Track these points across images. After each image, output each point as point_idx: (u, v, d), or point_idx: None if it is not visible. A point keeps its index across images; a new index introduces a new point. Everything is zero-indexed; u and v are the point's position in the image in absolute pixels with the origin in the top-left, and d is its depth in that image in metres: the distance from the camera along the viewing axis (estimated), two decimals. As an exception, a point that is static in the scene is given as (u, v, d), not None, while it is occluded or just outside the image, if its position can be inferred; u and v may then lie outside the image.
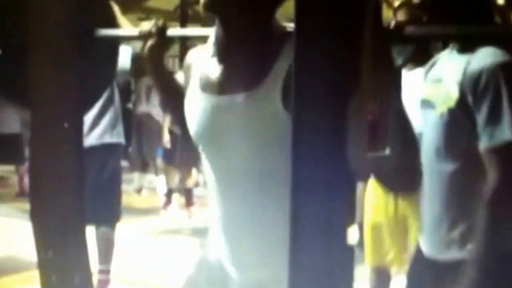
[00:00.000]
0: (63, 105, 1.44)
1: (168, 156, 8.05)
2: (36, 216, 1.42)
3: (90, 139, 4.35)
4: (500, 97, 2.01)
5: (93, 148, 4.35)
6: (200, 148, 1.90)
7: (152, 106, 8.70)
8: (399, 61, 1.26)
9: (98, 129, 4.42)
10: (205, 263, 2.02)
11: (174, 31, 2.04)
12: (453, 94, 2.07)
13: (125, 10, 4.48)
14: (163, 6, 13.03)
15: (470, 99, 2.04)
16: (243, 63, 1.78)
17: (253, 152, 1.77)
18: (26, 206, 1.58)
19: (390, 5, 4.70)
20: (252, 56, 1.77)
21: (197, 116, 1.85)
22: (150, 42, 2.00)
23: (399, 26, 1.45)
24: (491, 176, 2.03)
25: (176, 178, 8.20)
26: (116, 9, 4.31)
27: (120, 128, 4.59)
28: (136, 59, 4.76)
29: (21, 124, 8.07)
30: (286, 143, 1.62)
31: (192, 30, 2.17)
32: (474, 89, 2.03)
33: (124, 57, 4.29)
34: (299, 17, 1.06)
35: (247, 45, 1.78)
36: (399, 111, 1.34)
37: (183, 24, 11.41)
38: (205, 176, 1.94)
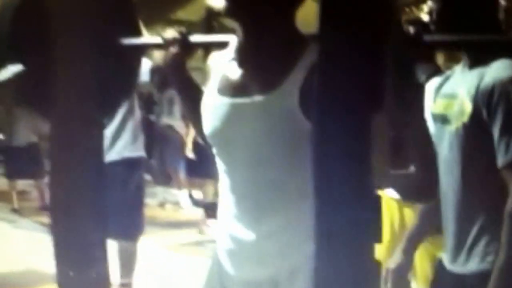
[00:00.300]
0: (84, 117, 1.42)
1: (192, 169, 8.04)
2: (56, 232, 1.40)
3: (112, 154, 4.34)
4: None
5: (114, 163, 4.34)
6: (214, 150, 1.90)
7: (174, 119, 8.71)
8: (422, 78, 1.23)
9: (119, 143, 4.41)
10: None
11: (197, 38, 2.03)
12: (467, 109, 2.06)
13: (150, 22, 4.49)
14: (188, 17, 13.09)
15: (484, 113, 2.03)
16: (261, 66, 1.78)
17: (269, 154, 1.77)
18: (47, 219, 1.58)
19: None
20: (271, 59, 1.77)
21: (212, 118, 1.85)
22: (173, 50, 2.00)
23: (418, 33, 1.43)
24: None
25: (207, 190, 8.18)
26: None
27: (141, 141, 4.57)
28: (158, 71, 4.77)
29: (37, 136, 8.10)
30: (301, 146, 1.66)
31: (215, 37, 2.15)
32: (488, 103, 2.02)
33: (144, 70, 4.29)
34: (323, 32, 1.04)
35: (266, 48, 1.79)
36: (422, 128, 1.32)
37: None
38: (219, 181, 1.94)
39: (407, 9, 4.36)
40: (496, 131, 2.02)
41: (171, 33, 2.02)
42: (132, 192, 4.49)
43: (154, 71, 4.50)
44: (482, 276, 2.09)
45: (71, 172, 1.40)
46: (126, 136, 4.43)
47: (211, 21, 9.93)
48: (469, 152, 2.08)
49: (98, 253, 1.36)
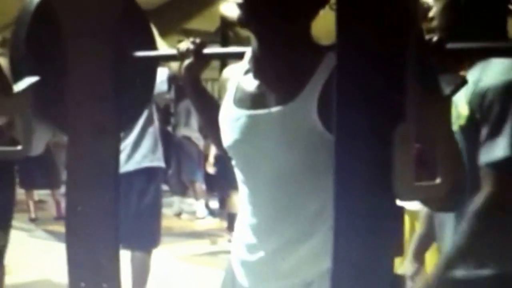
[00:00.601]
0: (100, 128, 1.41)
1: (211, 180, 8.05)
2: (69, 242, 1.40)
3: (131, 164, 4.37)
4: (504, 114, 2.04)
5: (134, 173, 4.36)
6: (233, 162, 1.89)
7: (191, 130, 8.74)
8: (447, 90, 1.21)
9: (138, 153, 4.43)
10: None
11: (212, 49, 2.02)
12: (464, 112, 2.09)
13: (165, 32, 4.50)
14: (203, 27, 13.13)
15: (478, 116, 2.08)
16: (278, 77, 1.76)
17: (288, 166, 1.75)
18: (63, 229, 1.58)
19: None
20: (288, 70, 1.75)
21: (230, 131, 1.84)
22: (187, 61, 1.99)
23: (441, 40, 1.41)
24: (482, 191, 2.07)
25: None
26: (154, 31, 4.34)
27: (160, 152, 4.59)
28: (175, 81, 4.78)
29: (53, 146, 8.13)
30: (321, 156, 1.65)
31: (230, 49, 2.15)
32: (481, 107, 2.07)
33: (161, 79, 4.30)
34: (341, 42, 1.02)
35: (282, 59, 1.76)
36: (450, 139, 1.31)
37: (223, 46, 11.50)
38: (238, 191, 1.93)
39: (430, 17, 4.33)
40: (484, 133, 2.06)
41: (185, 44, 2.02)
42: (149, 203, 4.50)
43: (172, 80, 4.50)
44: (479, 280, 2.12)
45: (86, 183, 1.40)
46: (145, 146, 4.45)
47: (226, 31, 9.96)
48: (467, 154, 2.07)
49: (111, 265, 1.35)
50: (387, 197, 1.04)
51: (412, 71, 1.03)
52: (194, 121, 8.59)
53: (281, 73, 1.76)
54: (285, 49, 1.76)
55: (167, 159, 4.93)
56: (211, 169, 7.89)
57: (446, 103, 1.23)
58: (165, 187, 8.16)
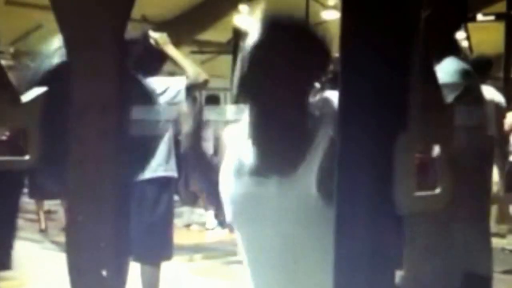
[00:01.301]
0: (102, 136, 1.42)
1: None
2: (71, 254, 1.40)
3: (146, 172, 4.36)
4: None
5: (148, 181, 4.36)
6: (235, 228, 1.91)
7: (203, 140, 8.74)
8: (450, 98, 1.22)
9: (154, 162, 4.43)
10: None
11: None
12: None
13: (177, 43, 4.52)
14: (215, 38, 13.18)
15: None
16: (277, 148, 1.78)
17: (287, 234, 1.77)
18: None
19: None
20: (287, 140, 1.77)
21: (232, 201, 1.86)
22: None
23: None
24: None
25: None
26: (167, 40, 4.36)
27: (173, 161, 4.59)
28: (193, 91, 4.81)
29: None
30: (319, 225, 1.65)
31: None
32: None
33: (179, 89, 4.32)
34: (344, 52, 1.03)
35: (281, 129, 1.77)
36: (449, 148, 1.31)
37: (235, 56, 11.49)
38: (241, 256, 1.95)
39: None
40: None
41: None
42: (162, 212, 4.49)
43: (189, 90, 4.50)
44: None
45: (88, 192, 1.40)
46: (160, 154, 4.45)
47: (238, 41, 9.99)
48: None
49: (114, 276, 1.35)
50: (388, 207, 1.04)
51: (414, 81, 1.03)
52: (206, 132, 8.59)
53: (279, 144, 1.78)
54: (284, 119, 1.76)
55: (178, 169, 4.94)
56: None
57: (449, 112, 1.23)
58: (175, 197, 8.16)
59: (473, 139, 2.18)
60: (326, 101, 1.74)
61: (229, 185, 1.86)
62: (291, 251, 1.78)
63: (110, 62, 1.45)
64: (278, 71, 1.72)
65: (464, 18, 2.42)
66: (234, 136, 1.91)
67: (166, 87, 4.29)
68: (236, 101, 1.80)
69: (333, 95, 1.71)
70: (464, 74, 2.22)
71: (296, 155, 1.73)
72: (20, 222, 8.79)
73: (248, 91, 1.75)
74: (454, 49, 2.37)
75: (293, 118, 1.76)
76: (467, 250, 2.26)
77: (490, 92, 3.40)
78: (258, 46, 1.72)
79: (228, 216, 1.88)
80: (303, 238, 1.76)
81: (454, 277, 2.22)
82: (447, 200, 1.21)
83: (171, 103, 4.41)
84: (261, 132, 1.79)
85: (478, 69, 2.40)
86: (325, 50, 1.74)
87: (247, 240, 1.88)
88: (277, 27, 1.76)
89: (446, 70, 2.18)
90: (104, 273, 1.29)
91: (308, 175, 1.71)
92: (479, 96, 2.44)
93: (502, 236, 8.43)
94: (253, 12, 1.73)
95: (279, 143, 1.77)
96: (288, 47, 1.72)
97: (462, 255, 2.25)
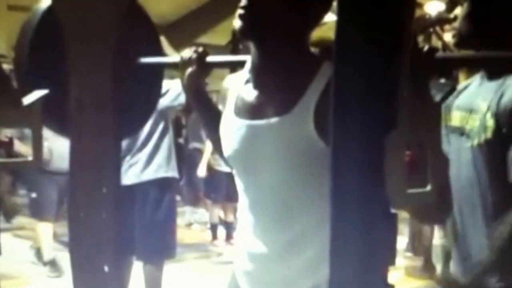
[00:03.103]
0: (101, 134, 1.44)
1: (209, 191, 8.08)
2: (73, 254, 1.42)
3: (146, 175, 4.39)
4: None
5: (148, 183, 4.38)
6: (233, 171, 1.93)
7: (201, 142, 8.75)
8: (438, 97, 1.24)
9: (154, 164, 4.44)
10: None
11: (214, 58, 2.06)
12: (490, 124, 2.07)
13: (176, 46, 4.53)
14: (214, 41, 13.14)
15: (505, 131, 2.04)
16: (276, 87, 1.81)
17: (286, 174, 1.79)
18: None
19: (440, 37, 4.67)
20: (285, 80, 1.80)
21: (230, 140, 1.88)
22: (190, 69, 2.04)
23: (432, 50, 1.44)
24: None
25: (219, 212, 8.22)
26: (163, 40, 4.37)
27: (174, 162, 4.60)
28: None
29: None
30: (317, 165, 1.69)
31: (232, 57, 2.18)
32: (508, 119, 2.03)
33: (179, 91, 4.33)
34: (338, 52, 1.05)
35: (280, 70, 1.81)
36: (438, 146, 1.33)
37: (234, 59, 11.47)
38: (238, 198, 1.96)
39: (430, 30, 4.37)
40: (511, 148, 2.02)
41: (188, 53, 2.07)
42: (164, 214, 4.49)
43: None
44: None
45: (88, 189, 1.42)
46: (160, 157, 4.47)
47: (237, 44, 9.99)
48: (490, 168, 2.08)
49: (114, 272, 1.37)
50: (381, 204, 1.05)
51: (404, 79, 1.05)
52: (203, 133, 8.62)
53: (278, 84, 1.80)
54: (283, 60, 1.80)
55: (179, 170, 4.95)
56: (202, 173, 7.93)
57: (436, 110, 1.25)
58: (177, 197, 8.16)
59: None
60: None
61: (229, 123, 1.89)
62: (286, 191, 1.80)
63: (109, 61, 1.47)
64: (277, 13, 1.75)
65: None
66: (235, 82, 1.95)
67: (166, 90, 4.31)
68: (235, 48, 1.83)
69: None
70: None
71: (294, 94, 1.75)
72: (22, 221, 8.85)
73: (248, 33, 1.78)
74: None
75: (291, 58, 1.80)
76: None
77: None
78: None
79: (225, 151, 1.91)
80: (298, 177, 1.78)
81: None
82: (435, 196, 1.22)
83: (171, 106, 4.43)
84: (261, 73, 1.83)
85: None
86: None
87: (243, 179, 1.90)
88: None
89: None
90: (106, 269, 1.31)
91: (306, 112, 1.72)
92: None
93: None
94: None
95: (277, 83, 1.80)
96: None
97: None
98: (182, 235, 8.17)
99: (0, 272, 6.03)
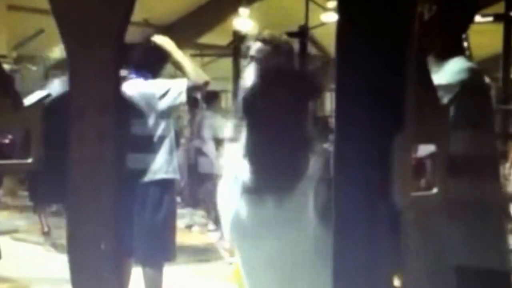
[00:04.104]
0: (102, 137, 1.43)
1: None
2: (71, 256, 1.41)
3: (148, 175, 4.37)
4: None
5: (149, 184, 4.37)
6: (233, 243, 2.00)
7: (203, 142, 8.74)
8: (445, 99, 1.23)
9: (155, 164, 4.42)
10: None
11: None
12: None
13: (180, 46, 4.53)
14: (216, 41, 13.18)
15: None
16: (275, 167, 1.82)
17: (284, 251, 1.81)
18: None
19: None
20: (285, 160, 1.81)
21: (230, 219, 1.90)
22: None
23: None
24: None
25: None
26: (172, 43, 4.38)
27: (175, 163, 4.58)
28: (194, 92, 4.80)
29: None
30: (316, 243, 1.70)
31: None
32: None
33: (181, 90, 4.32)
34: (340, 54, 1.04)
35: (279, 150, 1.81)
36: (446, 149, 1.32)
37: (235, 59, 11.52)
38: None
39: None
40: None
41: None
42: (164, 214, 4.47)
43: (191, 91, 4.50)
44: None
45: (88, 192, 1.41)
46: (161, 157, 4.45)
47: (238, 45, 10.01)
48: None
49: (114, 277, 1.36)
50: (386, 206, 1.04)
51: (410, 82, 1.04)
52: (206, 133, 8.60)
53: (278, 164, 1.81)
54: (283, 143, 1.80)
55: (180, 171, 4.93)
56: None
57: (443, 113, 1.24)
58: (177, 199, 8.16)
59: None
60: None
61: (227, 203, 1.90)
62: (288, 268, 1.82)
63: (110, 64, 1.46)
64: (278, 99, 1.78)
65: (473, 17, 2.44)
66: (232, 155, 1.94)
67: (167, 89, 4.30)
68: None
69: None
70: (471, 72, 2.23)
71: (294, 174, 1.78)
72: (22, 223, 8.86)
73: (249, 114, 1.80)
74: (461, 49, 2.40)
75: (291, 140, 1.80)
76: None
77: None
78: (260, 75, 1.80)
79: (226, 232, 1.93)
80: (300, 255, 1.79)
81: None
82: (444, 199, 1.21)
83: (172, 105, 4.41)
84: (260, 153, 1.83)
85: None
86: (318, 82, 1.83)
87: (244, 256, 1.92)
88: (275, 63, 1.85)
89: (454, 69, 2.21)
90: (105, 274, 1.30)
91: (305, 195, 1.75)
92: (484, 94, 2.44)
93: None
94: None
95: (277, 163, 1.81)
96: (287, 79, 1.82)
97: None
98: (182, 237, 8.17)
99: (-1, 276, 6.03)
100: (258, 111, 1.79)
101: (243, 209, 1.84)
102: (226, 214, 1.90)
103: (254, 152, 1.82)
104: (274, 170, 1.80)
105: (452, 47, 2.34)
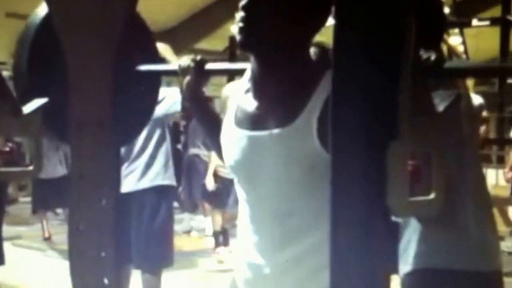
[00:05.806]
0: (101, 141, 1.44)
1: (209, 198, 8.08)
2: (72, 262, 1.42)
3: (143, 182, 4.38)
4: None
5: (146, 191, 4.37)
6: (235, 180, 1.92)
7: (200, 148, 8.74)
8: (441, 106, 1.23)
9: (151, 172, 4.43)
10: None
11: (212, 65, 2.05)
12: None
13: (176, 52, 4.53)
14: (212, 47, 13.18)
15: None
16: (277, 98, 1.79)
17: (288, 185, 1.78)
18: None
19: (445, 41, 4.67)
20: (287, 91, 1.78)
21: (231, 151, 1.87)
22: (188, 77, 2.04)
23: (439, 60, 1.41)
24: None
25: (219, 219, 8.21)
26: (167, 48, 4.38)
27: (171, 170, 4.58)
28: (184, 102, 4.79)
29: (66, 167, 8.18)
30: (320, 176, 1.65)
31: (230, 65, 2.18)
32: None
33: (175, 100, 4.33)
34: (337, 61, 1.04)
35: (282, 80, 1.79)
36: (442, 155, 1.32)
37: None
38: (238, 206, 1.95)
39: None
40: None
41: (186, 61, 2.06)
42: (161, 221, 4.47)
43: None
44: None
45: (87, 200, 1.41)
46: (158, 164, 4.46)
47: (234, 50, 10.00)
48: None
49: (113, 283, 1.37)
50: (382, 213, 1.05)
51: (405, 89, 1.05)
52: (201, 138, 8.60)
53: (280, 95, 1.78)
54: (284, 70, 1.78)
55: (177, 177, 4.93)
56: (210, 186, 7.92)
57: (439, 120, 1.24)
58: (175, 204, 8.15)
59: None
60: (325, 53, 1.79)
61: (230, 133, 1.88)
62: (287, 203, 1.79)
63: (107, 74, 1.47)
64: (276, 24, 1.73)
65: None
66: (235, 90, 1.93)
67: (162, 97, 4.31)
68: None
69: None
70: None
71: (296, 104, 1.73)
72: (23, 229, 8.85)
73: (247, 45, 1.76)
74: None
75: (292, 69, 1.77)
76: None
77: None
78: (257, 2, 1.73)
79: (227, 161, 1.90)
80: (301, 189, 1.76)
81: None
82: (440, 205, 1.21)
83: (167, 113, 4.43)
84: (262, 83, 1.81)
85: None
86: (323, 5, 1.76)
87: (244, 188, 1.89)
88: None
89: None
90: (106, 281, 1.31)
91: (309, 124, 1.71)
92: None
93: (501, 238, 8.43)
94: None
95: (279, 94, 1.78)
96: (287, 2, 1.74)
97: None
98: (181, 242, 8.17)
99: (0, 281, 6.02)
100: (258, 40, 1.77)
101: (245, 142, 1.83)
102: (227, 146, 1.89)
103: (257, 84, 1.83)
104: (276, 101, 1.79)
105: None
